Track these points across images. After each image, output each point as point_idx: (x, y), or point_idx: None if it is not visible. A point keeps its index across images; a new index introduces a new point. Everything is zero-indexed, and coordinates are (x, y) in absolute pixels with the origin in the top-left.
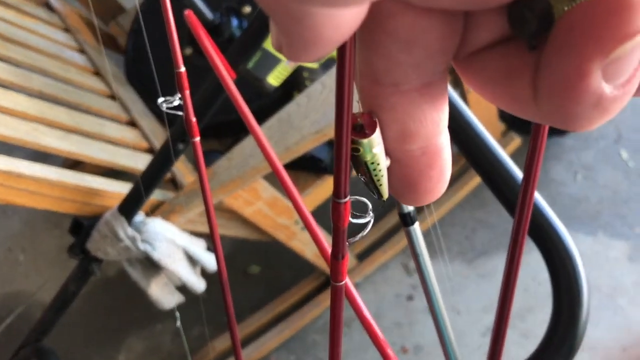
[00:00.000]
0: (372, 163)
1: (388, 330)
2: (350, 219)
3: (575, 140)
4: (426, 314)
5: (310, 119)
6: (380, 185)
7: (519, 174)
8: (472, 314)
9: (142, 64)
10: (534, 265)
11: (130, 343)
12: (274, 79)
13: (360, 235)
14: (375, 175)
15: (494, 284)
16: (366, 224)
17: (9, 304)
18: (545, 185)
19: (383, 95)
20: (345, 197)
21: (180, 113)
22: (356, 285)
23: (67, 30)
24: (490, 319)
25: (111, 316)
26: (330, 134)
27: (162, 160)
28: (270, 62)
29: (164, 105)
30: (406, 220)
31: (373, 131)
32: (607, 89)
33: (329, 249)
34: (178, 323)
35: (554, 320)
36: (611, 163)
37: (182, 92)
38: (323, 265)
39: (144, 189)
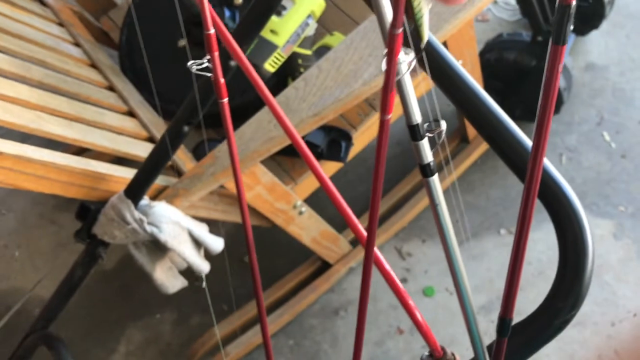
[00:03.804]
0: (419, 3)
1: (384, 312)
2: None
3: (559, 125)
4: (420, 295)
5: (308, 102)
6: (420, 25)
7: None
8: None
9: (137, 57)
10: None
11: (130, 334)
12: (270, 65)
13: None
14: (417, 14)
15: (484, 264)
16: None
17: (5, 301)
18: None
19: None
20: (400, 28)
21: (209, 74)
22: (351, 270)
23: (60, 24)
24: (481, 298)
25: (109, 308)
26: (327, 117)
27: (169, 142)
28: (267, 48)
29: (194, 67)
30: (425, 172)
31: None
32: None
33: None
34: (204, 284)
35: (561, 270)
36: (594, 145)
37: (211, 53)
38: (319, 250)
39: (151, 172)
